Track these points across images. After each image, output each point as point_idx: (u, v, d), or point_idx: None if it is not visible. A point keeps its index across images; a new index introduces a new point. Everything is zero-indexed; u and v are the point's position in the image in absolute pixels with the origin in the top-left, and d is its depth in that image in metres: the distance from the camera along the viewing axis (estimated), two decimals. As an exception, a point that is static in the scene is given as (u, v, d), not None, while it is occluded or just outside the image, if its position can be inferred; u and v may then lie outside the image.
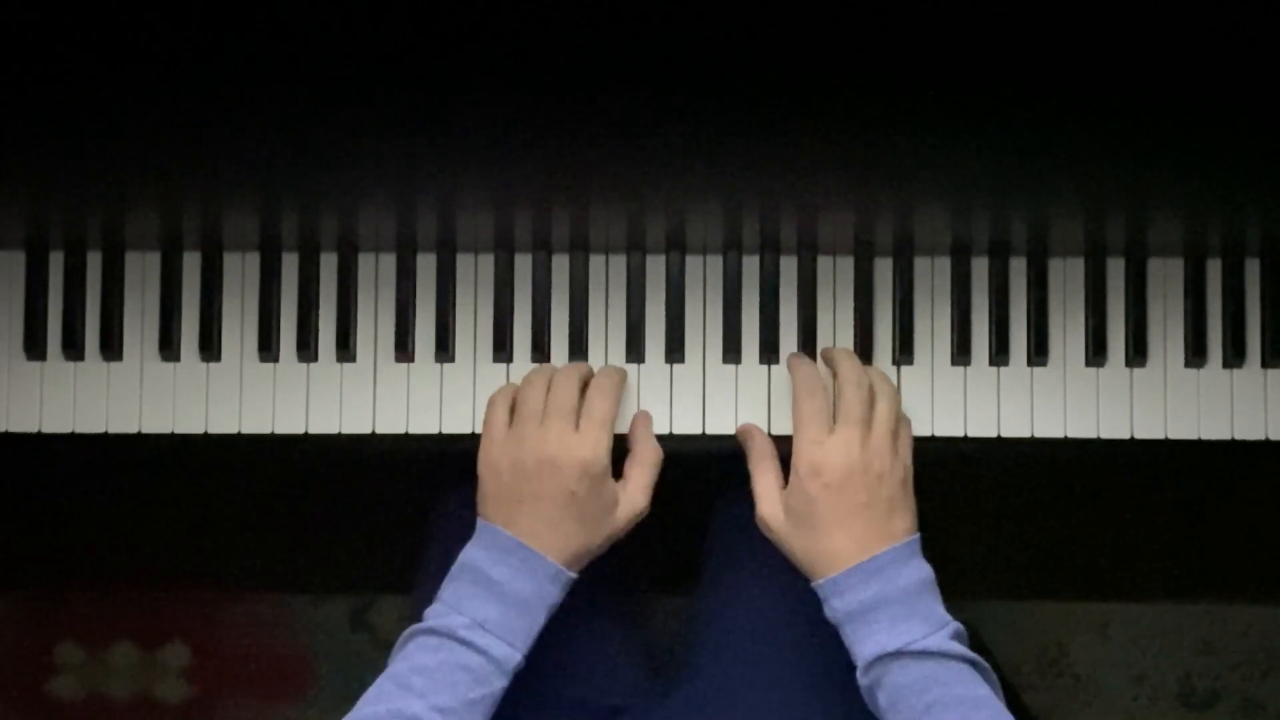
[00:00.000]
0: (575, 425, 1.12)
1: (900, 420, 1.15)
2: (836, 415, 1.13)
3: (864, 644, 1.07)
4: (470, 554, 1.11)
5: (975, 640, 1.63)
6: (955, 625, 1.08)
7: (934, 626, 1.07)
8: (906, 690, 1.05)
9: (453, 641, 1.08)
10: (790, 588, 1.15)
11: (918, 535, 1.12)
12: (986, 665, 1.08)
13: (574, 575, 1.13)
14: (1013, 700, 1.09)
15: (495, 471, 1.12)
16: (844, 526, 1.10)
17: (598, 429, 1.12)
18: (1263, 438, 1.23)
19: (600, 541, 1.13)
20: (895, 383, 1.22)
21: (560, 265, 1.24)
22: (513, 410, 1.15)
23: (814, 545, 1.11)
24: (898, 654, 1.06)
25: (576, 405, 1.13)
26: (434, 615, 1.10)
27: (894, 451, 1.13)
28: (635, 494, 1.15)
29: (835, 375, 1.17)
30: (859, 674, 1.08)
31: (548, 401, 1.14)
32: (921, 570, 1.10)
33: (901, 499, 1.12)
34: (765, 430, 1.21)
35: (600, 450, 1.12)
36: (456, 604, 1.09)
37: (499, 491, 1.12)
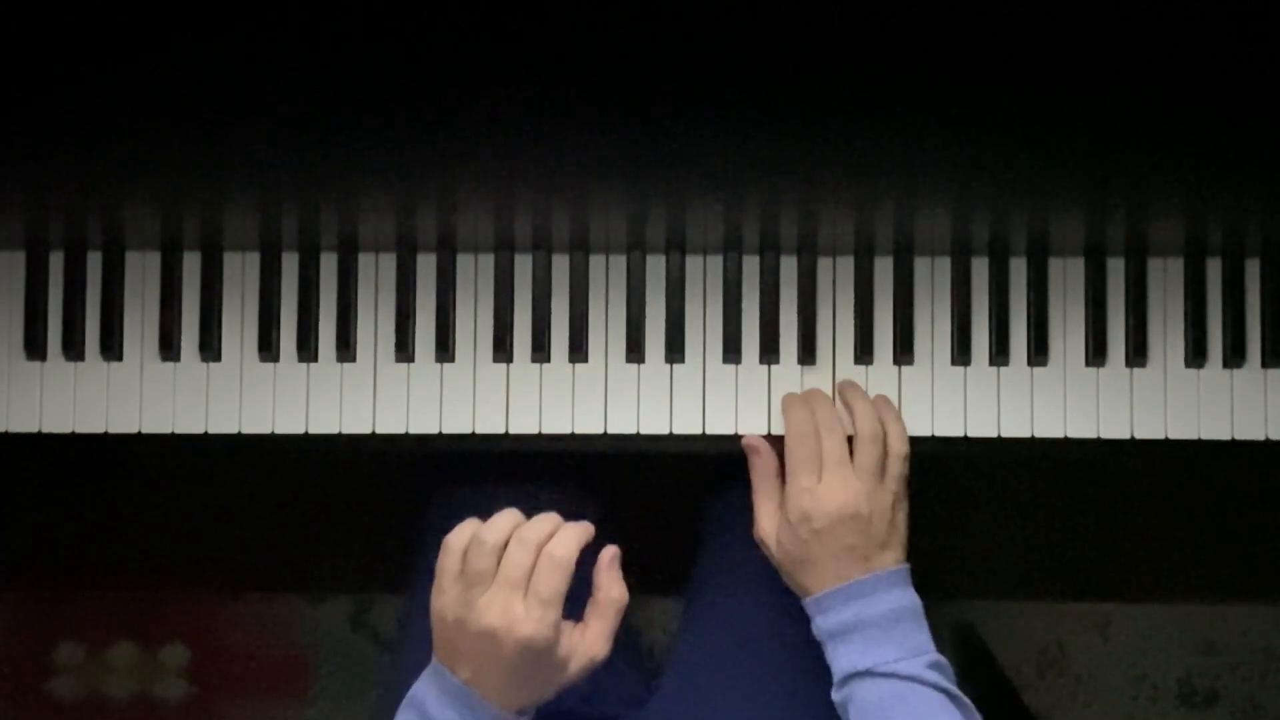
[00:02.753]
0: (523, 595, 1.05)
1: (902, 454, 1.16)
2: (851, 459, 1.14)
3: (839, 661, 1.10)
4: (420, 690, 1.08)
5: (975, 640, 1.63)
6: (936, 657, 1.09)
7: (909, 653, 1.09)
8: (873, 707, 1.07)
9: None
10: (776, 591, 1.16)
11: (906, 566, 1.13)
12: (967, 702, 1.09)
13: None
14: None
15: (443, 621, 1.07)
16: (830, 564, 1.12)
17: (542, 608, 1.05)
18: (1263, 438, 1.22)
19: (551, 694, 1.10)
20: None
21: (560, 265, 1.23)
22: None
23: (801, 574, 1.13)
24: (867, 673, 1.08)
25: (527, 574, 1.06)
26: None
27: (887, 490, 1.14)
28: (593, 644, 1.10)
29: (850, 413, 1.17)
30: (833, 690, 1.10)
31: (500, 566, 1.07)
32: (904, 598, 1.11)
33: (891, 536, 1.13)
34: (765, 432, 1.21)
35: (543, 629, 1.05)
36: None
37: (446, 639, 1.07)
